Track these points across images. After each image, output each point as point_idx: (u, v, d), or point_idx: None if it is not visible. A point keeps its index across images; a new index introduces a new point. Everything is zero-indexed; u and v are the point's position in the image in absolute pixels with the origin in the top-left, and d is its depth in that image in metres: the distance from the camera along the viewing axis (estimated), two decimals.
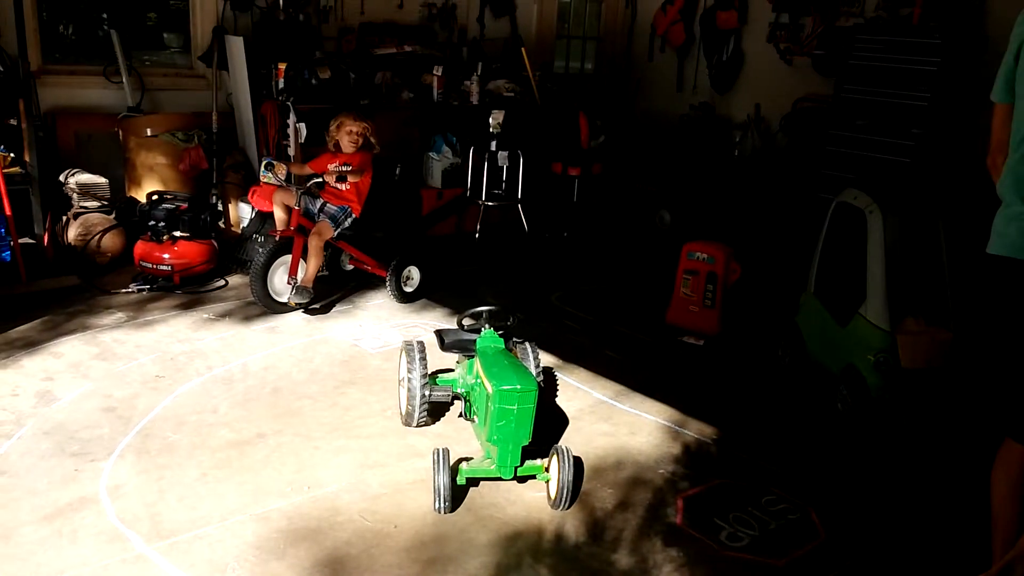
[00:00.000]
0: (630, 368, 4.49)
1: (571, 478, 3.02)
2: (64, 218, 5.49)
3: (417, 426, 3.62)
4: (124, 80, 6.08)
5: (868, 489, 3.44)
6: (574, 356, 4.58)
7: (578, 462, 3.28)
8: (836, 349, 4.19)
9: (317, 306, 5.00)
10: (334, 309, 5.08)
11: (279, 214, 5.00)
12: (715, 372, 4.59)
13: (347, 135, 5.06)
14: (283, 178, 4.87)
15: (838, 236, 4.33)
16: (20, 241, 5.03)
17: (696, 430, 3.82)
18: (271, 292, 4.87)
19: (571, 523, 3.05)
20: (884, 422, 3.91)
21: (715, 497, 3.28)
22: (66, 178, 5.64)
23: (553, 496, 3.08)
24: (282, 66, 6.07)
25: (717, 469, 3.50)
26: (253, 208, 5.67)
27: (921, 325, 3.92)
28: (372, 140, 5.15)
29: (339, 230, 5.06)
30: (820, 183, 6.45)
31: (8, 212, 4.92)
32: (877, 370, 3.85)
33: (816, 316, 4.42)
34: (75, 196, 5.56)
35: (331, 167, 5.04)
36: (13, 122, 5.24)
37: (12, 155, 5.14)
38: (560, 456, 3.03)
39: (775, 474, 3.48)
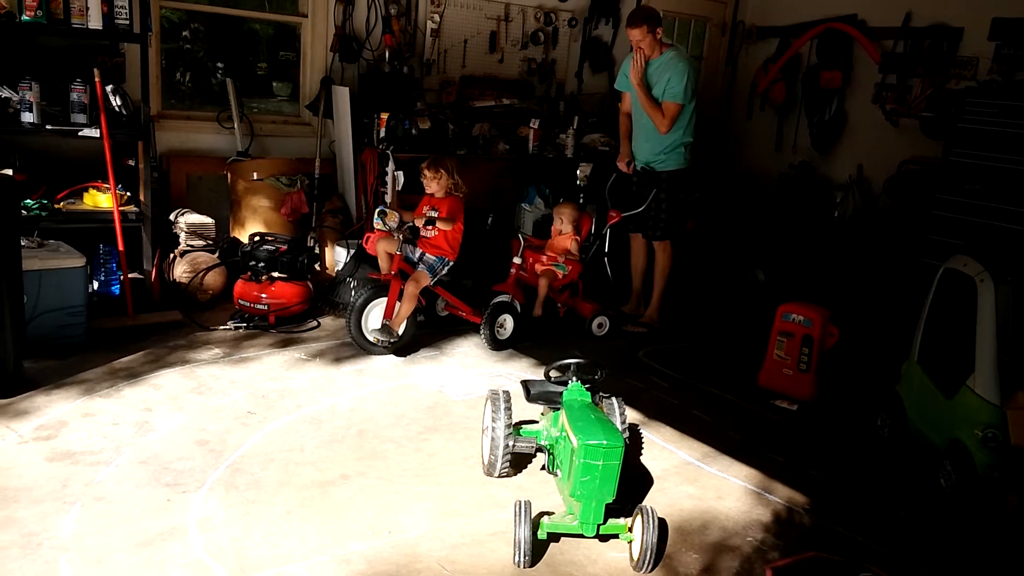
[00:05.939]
0: (718, 430, 4.37)
1: (655, 540, 2.93)
2: (171, 255, 5.72)
3: (499, 476, 3.59)
4: (236, 126, 6.34)
5: (971, 574, 3.23)
6: (661, 414, 4.49)
7: (663, 524, 3.19)
8: (940, 422, 3.99)
9: (402, 354, 5.05)
10: (421, 355, 5.12)
11: (382, 259, 5.11)
12: (809, 439, 4.42)
13: (445, 181, 5.15)
14: (394, 226, 4.96)
15: (945, 303, 4.15)
16: (129, 276, 5.27)
17: (788, 498, 3.68)
18: (364, 331, 4.97)
19: None
20: (992, 503, 3.68)
21: (806, 570, 3.13)
22: (176, 217, 5.89)
23: (636, 558, 2.99)
24: (384, 116, 6.24)
25: (809, 541, 3.35)
26: (348, 252, 5.79)
27: None
28: (460, 185, 5.21)
29: (436, 279, 5.13)
30: (925, 248, 6.23)
31: (121, 248, 5.16)
32: (985, 446, 3.64)
33: (919, 386, 4.22)
34: (183, 235, 5.79)
35: (425, 210, 5.14)
36: (131, 163, 5.52)
37: (128, 194, 5.41)
38: (644, 516, 2.95)
39: (872, 551, 3.31)
